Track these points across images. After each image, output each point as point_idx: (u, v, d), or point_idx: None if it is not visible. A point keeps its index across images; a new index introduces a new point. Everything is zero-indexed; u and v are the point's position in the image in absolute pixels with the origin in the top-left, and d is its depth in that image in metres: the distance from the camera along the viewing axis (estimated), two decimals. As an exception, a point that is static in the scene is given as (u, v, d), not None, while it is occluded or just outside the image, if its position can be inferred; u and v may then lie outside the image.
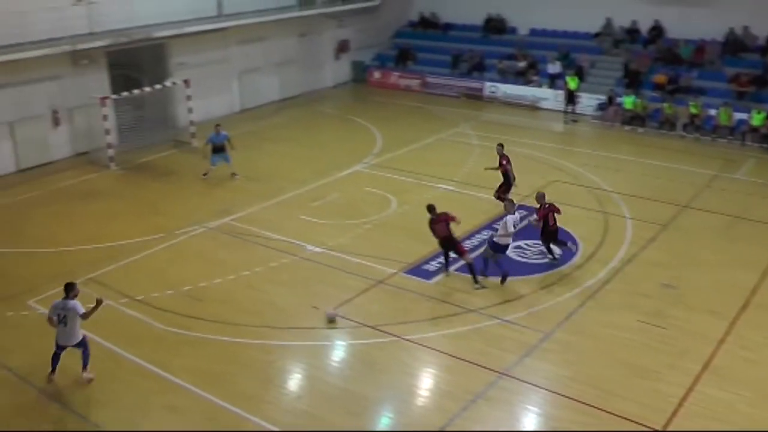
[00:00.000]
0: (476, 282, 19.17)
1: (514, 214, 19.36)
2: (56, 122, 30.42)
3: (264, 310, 18.24)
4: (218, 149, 27.17)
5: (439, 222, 19.53)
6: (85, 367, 15.68)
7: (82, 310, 15.23)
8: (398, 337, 16.96)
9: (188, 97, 32.15)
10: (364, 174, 27.90)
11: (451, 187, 26.04)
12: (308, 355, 16.51)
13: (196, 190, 26.71)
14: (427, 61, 42.95)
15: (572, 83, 35.50)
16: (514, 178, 24.12)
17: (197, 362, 16.15)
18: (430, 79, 41.32)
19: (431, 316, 17.92)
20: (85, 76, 31.00)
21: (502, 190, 23.87)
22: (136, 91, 30.65)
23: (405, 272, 19.96)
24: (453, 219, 19.49)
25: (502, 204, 20.92)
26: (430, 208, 19.70)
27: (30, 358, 16.46)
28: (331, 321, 17.65)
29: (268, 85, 39.22)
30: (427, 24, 45.54)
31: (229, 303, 18.57)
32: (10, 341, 17.19)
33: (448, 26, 44.88)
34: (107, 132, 29.14)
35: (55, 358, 15.62)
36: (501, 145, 24.45)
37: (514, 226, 19.27)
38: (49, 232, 23.07)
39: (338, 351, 16.80)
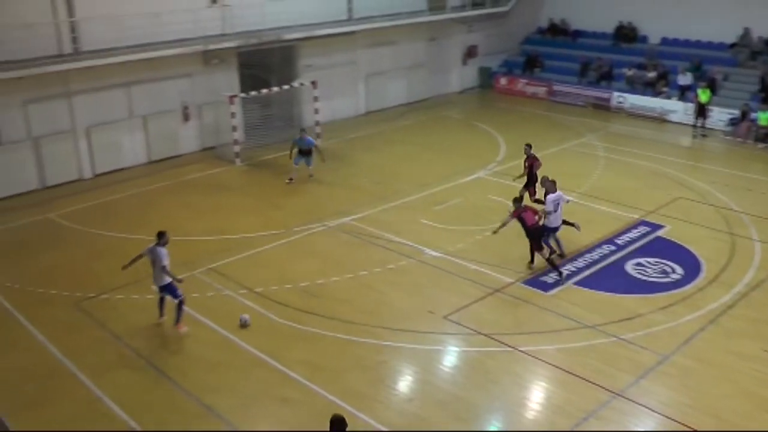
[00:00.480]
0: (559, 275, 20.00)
1: (555, 192, 20.46)
2: (186, 117, 31.60)
3: (379, 311, 18.48)
4: (303, 153, 27.59)
5: (528, 211, 20.16)
6: (177, 321, 17.60)
7: (164, 261, 17.06)
8: (512, 347, 16.91)
9: (315, 98, 32.86)
10: (486, 181, 27.87)
11: (574, 199, 25.71)
12: (420, 359, 16.64)
13: (317, 188, 27.24)
14: (554, 68, 42.56)
15: (703, 96, 34.40)
16: (536, 181, 23.79)
17: (311, 356, 16.51)
18: (557, 87, 40.93)
19: (547, 328, 17.76)
20: (216, 74, 32.10)
21: (532, 191, 23.88)
22: (264, 91, 31.53)
23: (523, 282, 19.86)
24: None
25: (624, 216, 20.58)
26: (517, 199, 20.48)
27: (151, 341, 17.28)
28: (243, 326, 17.70)
29: (394, 89, 39.62)
30: (557, 31, 45.12)
31: (345, 301, 18.89)
32: (135, 323, 18.02)
33: (578, 33, 44.35)
34: (234, 129, 30.14)
35: (160, 301, 18.03)
36: (529, 146, 24.61)
37: (554, 206, 20.28)
38: (175, 221, 23.99)
39: (451, 357, 16.86)
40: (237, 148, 30.30)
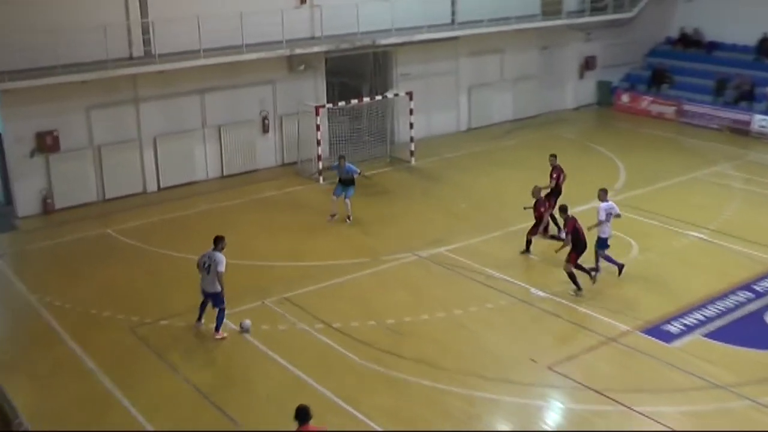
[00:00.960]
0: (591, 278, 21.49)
1: (606, 202, 21.97)
2: (265, 129, 31.92)
3: (474, 356, 18.15)
4: (344, 182, 26.57)
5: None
6: (217, 329, 18.63)
7: (221, 267, 18.20)
8: (627, 407, 16.35)
9: (410, 111, 32.82)
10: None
11: (703, 236, 24.96)
12: (519, 414, 16.23)
13: (410, 213, 27.14)
14: (685, 85, 41.65)
15: None
16: (560, 193, 25.24)
17: (393, 404, 16.28)
18: (688, 107, 40.00)
19: (669, 386, 17.14)
20: (300, 81, 32.39)
21: (552, 203, 24.67)
22: (353, 102, 31.63)
23: (641, 331, 19.27)
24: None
25: (764, 258, 19.90)
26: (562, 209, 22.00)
27: (213, 375, 17.37)
28: (244, 330, 18.73)
29: (500, 103, 39.40)
30: (689, 42, 44.24)
31: (436, 343, 18.63)
32: (196, 354, 18.16)
33: (714, 45, 43.37)
34: (318, 143, 30.33)
35: (202, 306, 18.98)
36: (554, 156, 25.68)
37: (606, 215, 21.75)
38: (248, 242, 24.14)
39: (555, 414, 16.42)
40: (320, 165, 30.44)
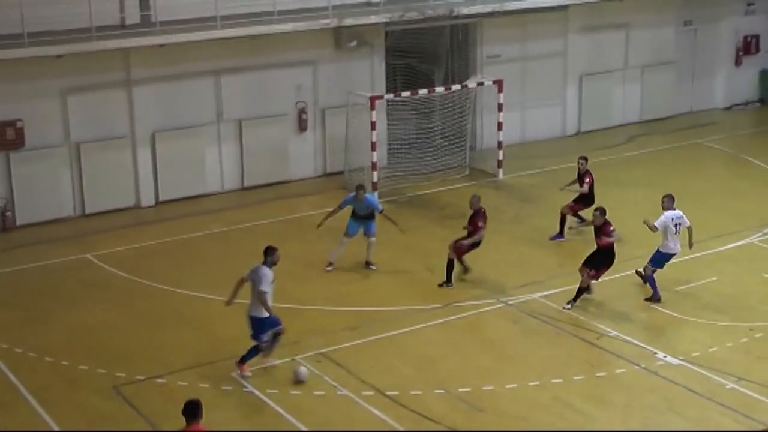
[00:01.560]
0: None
1: (673, 210, 23.96)
2: (302, 127, 32.35)
3: (577, 442, 18.27)
4: (360, 218, 26.16)
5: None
6: (242, 360, 19.87)
7: (263, 286, 19.46)
8: None
9: (499, 106, 33.00)
10: (761, 250, 27.40)
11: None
12: None
13: (495, 245, 27.09)
14: None
15: None
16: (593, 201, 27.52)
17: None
18: None
19: None
20: (351, 63, 32.91)
21: (579, 207, 28.13)
22: (423, 92, 31.90)
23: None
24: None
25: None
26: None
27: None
28: (299, 380, 19.62)
29: (623, 98, 39.77)
30: None
31: (524, 422, 18.69)
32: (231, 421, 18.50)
33: None
34: (373, 147, 30.61)
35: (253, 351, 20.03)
36: (585, 159, 28.38)
37: (675, 225, 23.74)
38: (277, 279, 24.35)
39: None
40: (376, 176, 30.78)
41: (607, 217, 23.61)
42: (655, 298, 23.86)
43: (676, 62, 40.88)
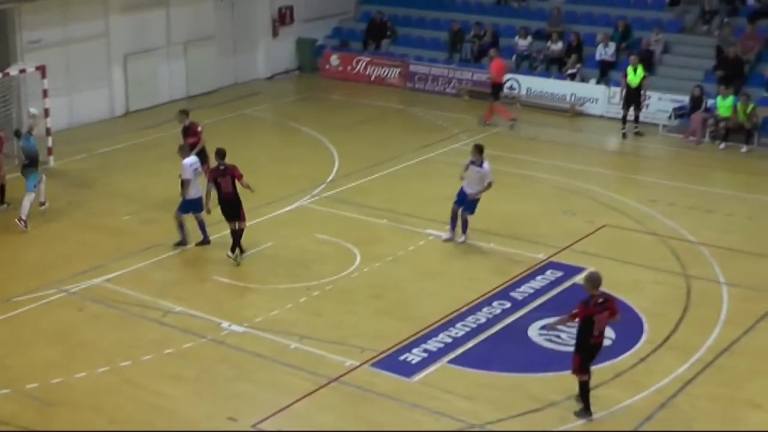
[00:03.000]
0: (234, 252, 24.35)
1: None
2: None
3: (154, 422, 17.99)
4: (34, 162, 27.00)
5: (227, 175, 24.11)
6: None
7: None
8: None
9: (44, 93, 32.06)
10: (313, 212, 27.95)
11: (446, 234, 25.92)
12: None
13: (49, 232, 26.58)
14: (411, 40, 43.30)
15: (634, 76, 35.46)
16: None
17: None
18: (416, 68, 41.51)
19: (413, 432, 17.78)
20: None
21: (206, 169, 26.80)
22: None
23: (373, 365, 19.80)
24: (241, 177, 24.33)
25: (523, 256, 20.83)
26: (221, 154, 24.39)
27: None
28: None
29: (169, 76, 39.58)
30: (413, -19, 45.78)
31: (98, 411, 18.33)
32: None
33: (445, -16, 45.17)
34: None
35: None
36: (185, 112, 28.87)
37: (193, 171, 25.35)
38: None
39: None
40: None
41: None
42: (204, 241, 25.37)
43: (216, 37, 41.07)
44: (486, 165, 24.74)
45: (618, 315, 17.81)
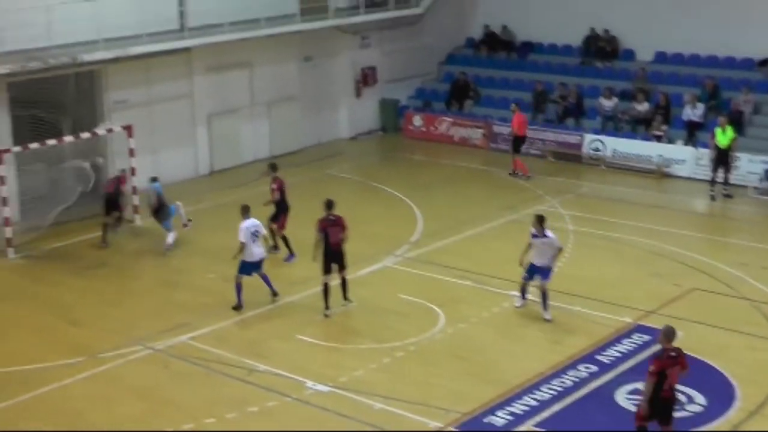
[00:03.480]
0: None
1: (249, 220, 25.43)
2: None
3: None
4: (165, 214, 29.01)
5: (337, 225, 24.87)
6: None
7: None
8: None
9: (130, 152, 32.50)
10: (397, 272, 27.99)
11: (531, 297, 25.74)
12: None
13: (137, 290, 26.72)
14: (495, 101, 43.17)
15: (723, 138, 35.12)
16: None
17: None
18: (500, 129, 41.39)
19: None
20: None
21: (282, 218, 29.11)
22: (51, 142, 30.96)
23: (456, 427, 19.65)
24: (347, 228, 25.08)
25: (610, 320, 20.58)
26: (329, 205, 25.12)
27: None
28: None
29: (253, 135, 39.82)
30: (496, 43, 45.83)
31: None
32: None
33: (528, 47, 45.18)
34: (4, 202, 29.52)
35: None
36: (273, 166, 30.00)
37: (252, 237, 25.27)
38: None
39: None
40: (9, 232, 29.65)
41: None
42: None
43: (300, 97, 41.35)
44: (549, 233, 24.51)
45: (687, 369, 17.83)
